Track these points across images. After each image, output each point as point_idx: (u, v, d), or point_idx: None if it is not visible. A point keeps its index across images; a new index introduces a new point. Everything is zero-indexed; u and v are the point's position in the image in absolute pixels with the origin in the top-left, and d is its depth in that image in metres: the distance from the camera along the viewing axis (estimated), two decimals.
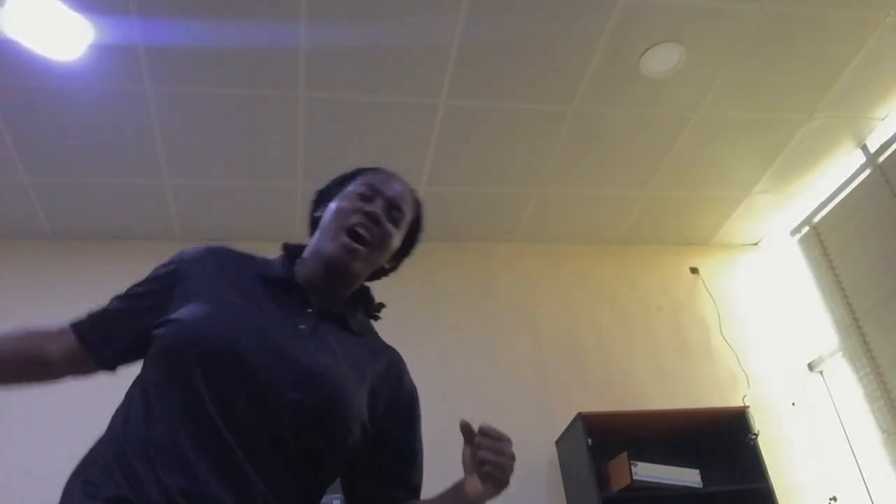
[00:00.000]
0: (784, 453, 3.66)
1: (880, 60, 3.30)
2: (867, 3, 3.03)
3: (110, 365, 1.26)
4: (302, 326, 1.20)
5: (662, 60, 3.17)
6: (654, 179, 3.89)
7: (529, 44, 3.05)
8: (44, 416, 3.16)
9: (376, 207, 1.31)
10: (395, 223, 1.35)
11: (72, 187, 3.53)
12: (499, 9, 2.88)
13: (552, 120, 3.44)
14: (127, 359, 1.26)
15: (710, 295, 4.22)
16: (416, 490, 1.36)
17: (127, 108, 3.14)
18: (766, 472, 3.22)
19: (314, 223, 1.38)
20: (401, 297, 4.06)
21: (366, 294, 1.39)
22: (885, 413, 3.47)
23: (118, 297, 1.29)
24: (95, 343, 1.24)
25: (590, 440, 3.18)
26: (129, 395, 1.18)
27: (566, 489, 3.42)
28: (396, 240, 1.36)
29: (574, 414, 3.34)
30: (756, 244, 4.50)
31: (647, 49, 3.11)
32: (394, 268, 1.46)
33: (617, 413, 3.40)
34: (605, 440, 3.24)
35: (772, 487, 3.18)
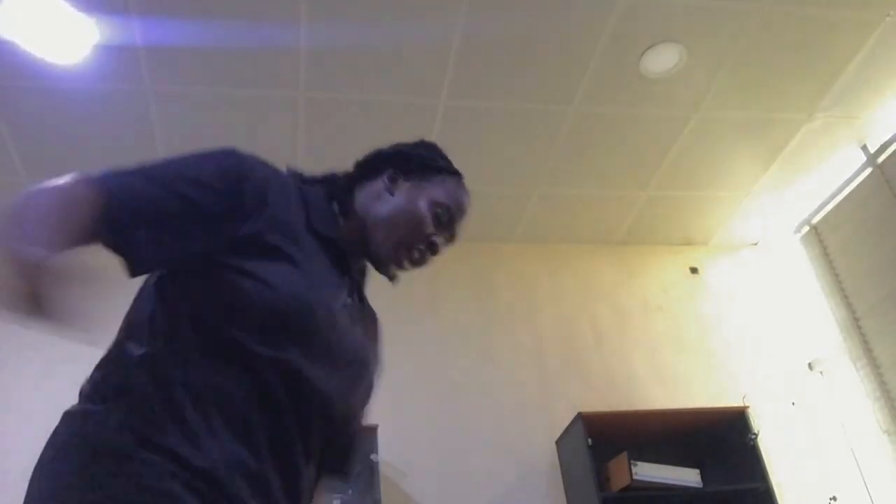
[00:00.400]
0: (784, 453, 3.66)
1: (880, 60, 3.30)
2: (867, 3, 3.03)
3: (140, 271, 1.05)
4: (348, 301, 1.16)
5: (662, 60, 3.17)
6: (654, 179, 3.89)
7: (529, 44, 3.05)
8: (44, 416, 3.16)
9: (440, 242, 1.29)
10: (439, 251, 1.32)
11: None
12: (499, 9, 2.88)
13: (552, 120, 3.44)
14: (164, 266, 1.07)
15: (710, 295, 4.22)
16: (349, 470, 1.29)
17: (127, 108, 3.14)
18: (766, 472, 3.23)
19: (374, 169, 1.29)
20: (401, 297, 4.07)
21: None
22: (885, 413, 3.47)
23: (173, 184, 1.07)
24: (139, 245, 1.01)
25: (590, 440, 3.18)
26: (175, 328, 1.02)
27: (566, 489, 3.42)
28: None
29: (574, 414, 3.34)
30: (756, 244, 4.50)
31: (647, 49, 3.11)
32: None
33: (617, 413, 3.40)
34: (605, 440, 3.24)
35: (772, 487, 3.18)
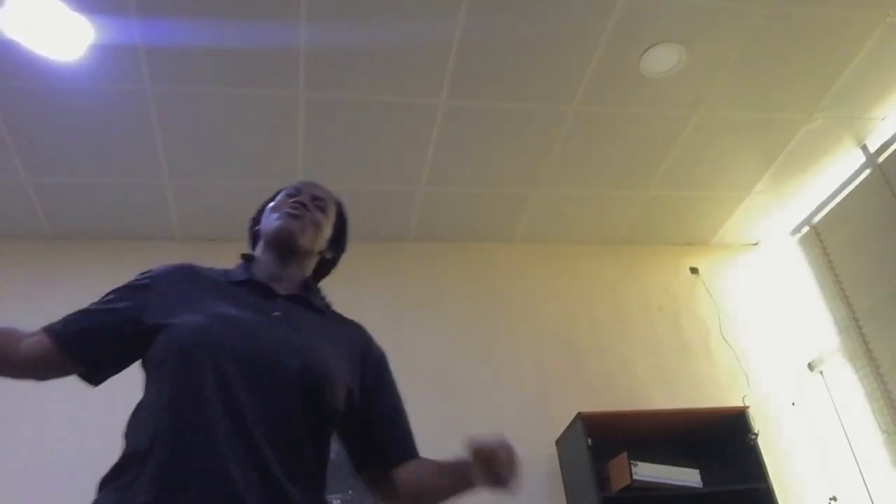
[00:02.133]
0: (784, 453, 3.66)
1: (880, 60, 3.30)
2: (867, 3, 3.03)
3: (98, 381, 1.35)
4: (277, 313, 1.37)
5: (662, 60, 3.17)
6: (654, 179, 3.89)
7: (529, 44, 3.05)
8: (44, 416, 3.16)
9: (302, 197, 1.53)
10: (322, 210, 1.56)
11: (72, 187, 3.53)
12: (499, 9, 2.88)
13: (552, 120, 3.44)
14: (114, 371, 1.35)
15: (710, 295, 4.22)
16: (414, 452, 1.49)
17: (127, 108, 3.14)
18: (766, 472, 3.22)
19: (255, 237, 1.59)
20: (401, 297, 4.07)
21: (313, 283, 1.56)
22: (885, 413, 3.47)
23: (93, 310, 1.36)
24: (84, 356, 1.32)
25: (590, 440, 3.18)
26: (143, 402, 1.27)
27: (566, 489, 3.42)
28: (326, 225, 1.57)
29: (574, 414, 3.34)
30: (756, 244, 4.50)
31: (647, 49, 3.11)
32: (334, 260, 1.65)
33: (617, 413, 3.40)
34: (605, 440, 3.24)
35: (772, 487, 3.18)
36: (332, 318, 1.51)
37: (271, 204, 1.57)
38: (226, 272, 1.47)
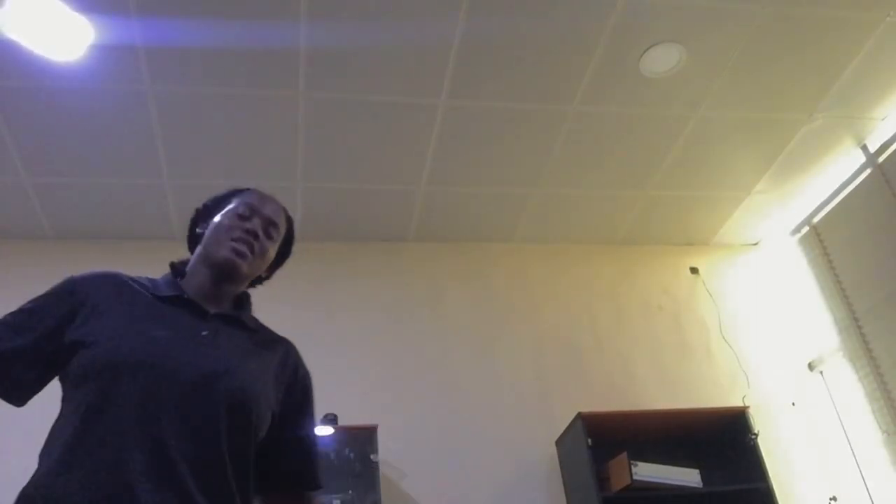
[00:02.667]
0: (784, 453, 3.66)
1: (880, 60, 3.30)
2: (867, 3, 3.03)
3: (21, 401, 1.30)
4: (205, 333, 1.33)
5: (662, 60, 3.17)
6: (654, 179, 3.89)
7: (529, 44, 3.05)
8: (44, 416, 3.16)
9: (255, 226, 1.48)
10: (271, 238, 1.53)
11: (72, 187, 3.53)
12: (499, 9, 2.88)
13: (552, 120, 3.44)
14: (36, 390, 1.30)
15: (710, 295, 4.22)
16: (315, 484, 1.44)
17: (127, 108, 3.14)
18: (766, 472, 3.22)
19: (193, 239, 1.54)
20: (401, 297, 4.07)
21: (247, 297, 1.54)
22: (885, 413, 3.47)
23: (9, 324, 1.30)
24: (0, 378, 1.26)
25: (590, 440, 3.18)
26: (56, 426, 1.23)
27: (566, 489, 3.42)
28: (272, 252, 1.54)
29: (574, 414, 3.34)
30: (756, 244, 4.50)
31: (647, 49, 3.11)
32: (269, 276, 1.61)
33: (617, 413, 3.40)
34: (605, 440, 3.24)
35: (772, 487, 3.18)
36: (262, 337, 1.47)
37: (221, 219, 1.49)
38: (153, 283, 1.42)
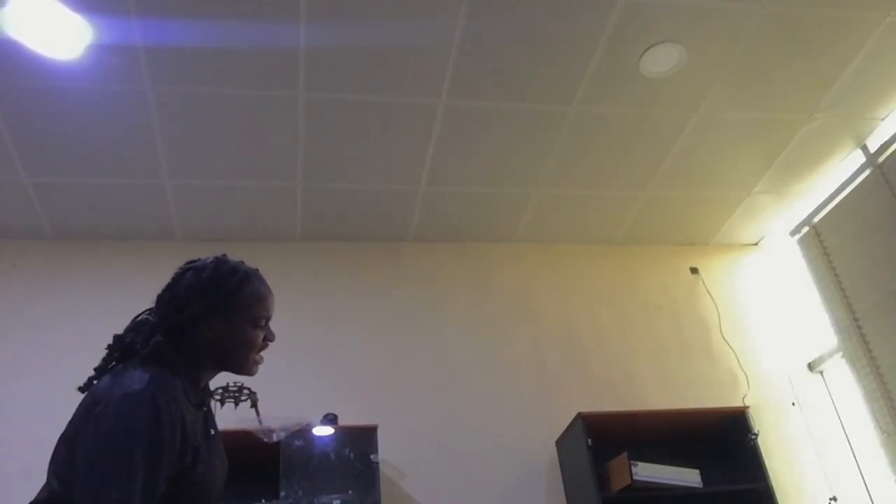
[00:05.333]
0: (784, 453, 3.66)
1: (880, 60, 3.30)
2: (867, 3, 3.03)
3: None
4: (213, 432, 1.52)
5: (662, 60, 3.17)
6: (654, 179, 3.89)
7: (529, 44, 3.05)
8: (44, 416, 3.16)
9: (270, 337, 1.59)
10: None
11: (72, 187, 3.53)
12: (499, 9, 2.88)
13: (552, 120, 3.44)
14: None
15: (710, 295, 4.22)
16: None
17: (127, 108, 3.14)
18: (766, 472, 3.23)
19: (187, 330, 1.48)
20: (401, 297, 4.07)
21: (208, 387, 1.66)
22: (885, 413, 3.47)
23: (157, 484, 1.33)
24: None
25: (590, 440, 3.18)
26: None
27: (566, 489, 3.42)
28: None
29: (574, 414, 3.34)
30: (756, 244, 4.50)
31: (647, 49, 3.11)
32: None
33: (617, 413, 3.40)
34: (605, 440, 3.24)
35: (772, 487, 3.18)
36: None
37: (248, 335, 1.52)
38: (185, 393, 1.43)
